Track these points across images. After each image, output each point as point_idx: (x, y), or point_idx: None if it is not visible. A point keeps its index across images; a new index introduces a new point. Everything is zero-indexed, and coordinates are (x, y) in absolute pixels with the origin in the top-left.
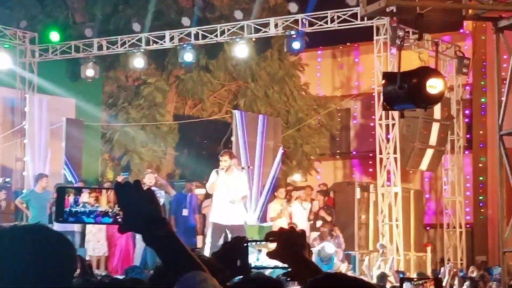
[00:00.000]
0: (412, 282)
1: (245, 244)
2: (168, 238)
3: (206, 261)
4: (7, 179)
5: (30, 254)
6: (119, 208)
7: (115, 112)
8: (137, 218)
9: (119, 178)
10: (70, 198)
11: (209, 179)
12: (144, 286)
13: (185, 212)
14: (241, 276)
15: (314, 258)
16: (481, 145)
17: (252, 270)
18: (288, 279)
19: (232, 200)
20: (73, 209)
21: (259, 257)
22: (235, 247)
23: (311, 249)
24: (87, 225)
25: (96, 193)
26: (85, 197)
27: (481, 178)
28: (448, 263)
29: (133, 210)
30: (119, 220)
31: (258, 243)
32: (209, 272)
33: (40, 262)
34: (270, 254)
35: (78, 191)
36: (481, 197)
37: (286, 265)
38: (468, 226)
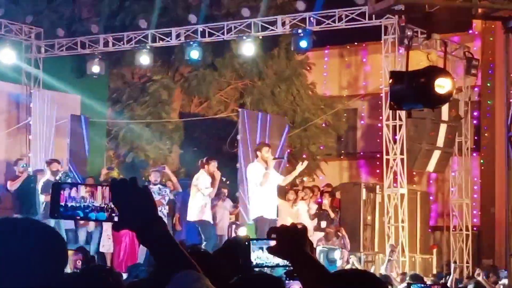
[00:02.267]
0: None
1: (247, 243)
2: (162, 237)
3: (206, 256)
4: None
5: (18, 247)
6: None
7: (120, 109)
8: (132, 216)
9: (103, 171)
10: (65, 193)
11: (256, 173)
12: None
13: None
14: (241, 275)
15: (321, 259)
16: (483, 148)
17: (254, 268)
18: (287, 279)
19: (275, 193)
20: (68, 204)
21: (261, 256)
22: (237, 245)
23: (314, 247)
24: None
25: (92, 188)
26: (80, 192)
27: (479, 180)
28: (453, 264)
29: (128, 208)
30: (114, 217)
31: (260, 241)
32: (209, 267)
33: (28, 255)
34: (270, 250)
35: (73, 186)
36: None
37: (287, 263)
38: (475, 229)
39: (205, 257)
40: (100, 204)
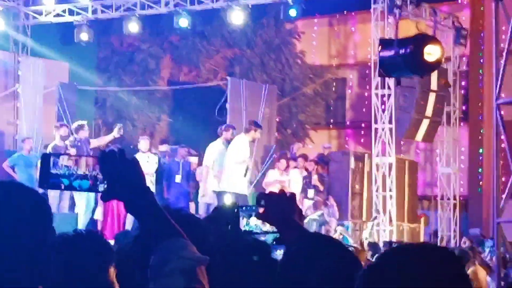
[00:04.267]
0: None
1: (236, 210)
2: (149, 206)
3: (195, 220)
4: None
5: (2, 210)
6: (97, 172)
7: (108, 77)
8: (121, 186)
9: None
10: (51, 161)
11: (245, 151)
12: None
13: (177, 179)
14: (229, 241)
15: (314, 226)
16: (480, 117)
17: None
18: (274, 243)
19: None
20: (53, 172)
21: (250, 223)
22: (225, 212)
23: (303, 214)
24: None
25: (75, 157)
26: (64, 160)
27: (480, 151)
28: (439, 234)
29: (117, 179)
30: (98, 185)
31: (249, 208)
32: (195, 232)
33: (12, 218)
34: (259, 216)
35: (59, 156)
36: (480, 170)
37: (276, 230)
38: (462, 198)
39: (190, 221)
40: (84, 172)
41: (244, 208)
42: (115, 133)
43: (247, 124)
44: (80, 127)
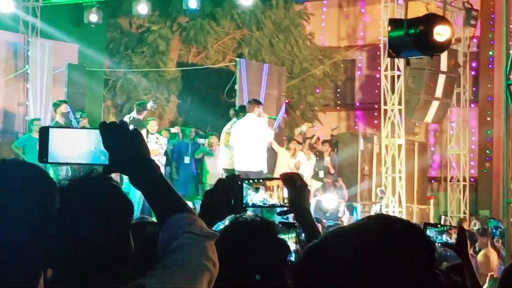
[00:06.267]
0: (438, 227)
1: (239, 183)
2: (155, 179)
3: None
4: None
5: (3, 188)
6: (98, 146)
7: (118, 60)
8: (123, 159)
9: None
10: (49, 135)
11: (270, 133)
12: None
13: (186, 160)
14: (231, 221)
15: (312, 209)
16: (489, 98)
17: (249, 208)
18: (280, 215)
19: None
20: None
21: (256, 196)
22: (229, 186)
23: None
24: None
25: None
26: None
27: (488, 132)
28: (443, 216)
29: (119, 151)
30: (96, 157)
31: (255, 181)
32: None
33: (13, 196)
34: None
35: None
36: (488, 151)
37: (283, 204)
38: (472, 179)
39: None
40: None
41: (251, 181)
42: (148, 106)
43: (247, 104)
44: (142, 107)
